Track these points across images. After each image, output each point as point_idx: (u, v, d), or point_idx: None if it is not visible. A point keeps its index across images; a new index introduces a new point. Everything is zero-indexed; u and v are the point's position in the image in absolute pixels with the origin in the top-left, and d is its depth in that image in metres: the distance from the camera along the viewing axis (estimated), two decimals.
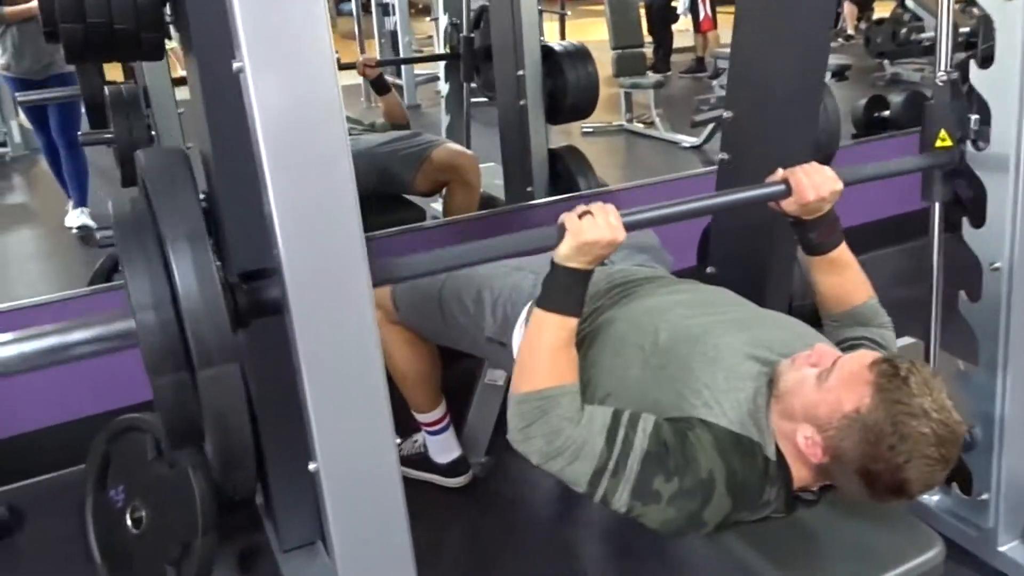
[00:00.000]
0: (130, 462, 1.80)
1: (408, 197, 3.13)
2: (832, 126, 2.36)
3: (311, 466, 1.07)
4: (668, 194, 3.16)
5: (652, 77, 5.55)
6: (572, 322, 1.31)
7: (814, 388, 1.20)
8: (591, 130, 5.36)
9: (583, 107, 3.21)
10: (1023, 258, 1.64)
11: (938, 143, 1.70)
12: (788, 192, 1.42)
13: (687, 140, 5.16)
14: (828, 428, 1.17)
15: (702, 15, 7.21)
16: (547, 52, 3.09)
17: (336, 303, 1.03)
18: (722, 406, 1.25)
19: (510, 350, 1.65)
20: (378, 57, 5.19)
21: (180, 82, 2.78)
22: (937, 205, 1.80)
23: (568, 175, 3.16)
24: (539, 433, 1.24)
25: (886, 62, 6.55)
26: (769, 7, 2.00)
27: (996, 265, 1.66)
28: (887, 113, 3.81)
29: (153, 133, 2.72)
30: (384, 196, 3.03)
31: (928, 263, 1.85)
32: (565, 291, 1.30)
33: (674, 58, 7.61)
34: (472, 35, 3.55)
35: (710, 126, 4.98)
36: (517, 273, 1.76)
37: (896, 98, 3.84)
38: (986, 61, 1.63)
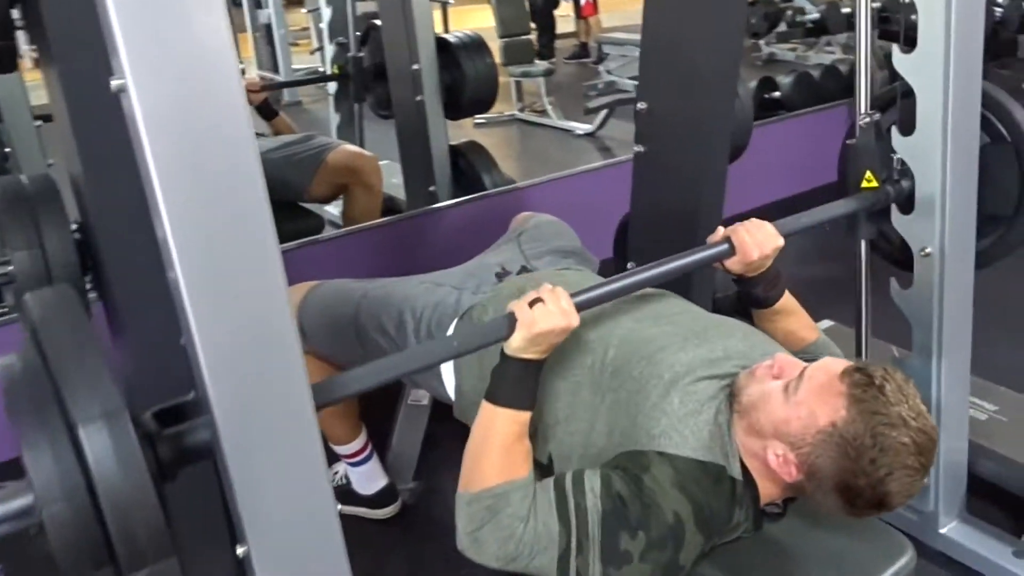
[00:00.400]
0: None
1: (304, 205, 2.92)
2: (745, 117, 2.32)
3: None
4: (578, 188, 3.13)
5: (542, 64, 5.48)
6: (525, 416, 1.21)
7: (782, 402, 1.14)
8: (484, 121, 5.25)
9: (483, 100, 3.08)
10: (954, 242, 1.63)
11: (864, 184, 1.68)
12: (732, 252, 1.37)
13: (581, 127, 5.12)
14: (802, 445, 1.11)
15: (583, 0, 7.15)
16: (442, 44, 2.95)
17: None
18: (682, 433, 1.17)
19: (437, 372, 1.53)
20: (259, 78, 4.81)
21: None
22: (864, 243, 1.80)
23: (471, 172, 3.04)
24: (490, 537, 1.14)
25: (762, 42, 6.73)
26: None
27: (927, 250, 1.65)
28: (777, 94, 3.86)
29: (7, 150, 2.40)
30: (278, 205, 2.81)
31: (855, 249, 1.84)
32: (517, 384, 1.20)
33: (557, 44, 7.58)
34: (361, 54, 3.34)
35: (603, 112, 4.96)
36: (439, 290, 1.63)
37: (785, 80, 3.89)
38: (909, 43, 1.61)
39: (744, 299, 1.47)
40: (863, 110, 1.72)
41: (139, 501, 0.80)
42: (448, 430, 2.15)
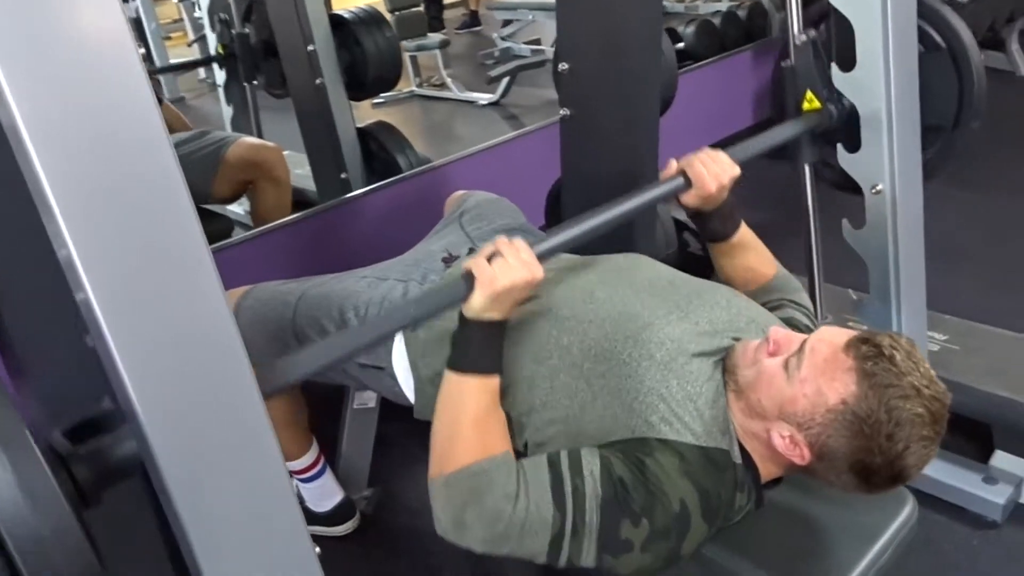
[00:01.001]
0: None
1: (207, 207, 2.70)
2: (670, 68, 2.25)
3: None
4: (499, 159, 3.01)
5: (436, 36, 5.30)
6: (494, 381, 1.12)
7: (784, 381, 1.05)
8: (382, 101, 5.04)
9: (387, 77, 2.93)
10: (904, 177, 1.60)
11: (806, 105, 1.64)
12: (688, 185, 1.31)
13: (483, 97, 4.98)
14: (811, 425, 1.03)
15: None
16: (337, 22, 2.77)
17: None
18: (682, 419, 1.09)
19: (389, 372, 1.42)
20: None
21: None
22: (807, 168, 1.76)
23: (384, 154, 2.88)
24: (475, 520, 1.03)
25: None
26: None
27: (878, 188, 1.61)
28: (682, 45, 3.82)
29: None
30: None
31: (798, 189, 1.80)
32: (482, 347, 1.12)
33: (444, 15, 7.39)
34: (246, 30, 3.11)
35: (506, 80, 4.84)
36: (383, 284, 1.50)
37: (687, 30, 3.86)
38: None
39: (701, 234, 1.43)
40: (796, 30, 1.67)
41: (58, 536, 0.66)
42: (399, 430, 2.03)
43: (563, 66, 1.95)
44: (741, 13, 3.99)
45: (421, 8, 5.46)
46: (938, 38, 1.75)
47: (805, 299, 1.42)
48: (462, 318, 1.12)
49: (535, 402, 1.20)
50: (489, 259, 1.10)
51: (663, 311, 1.20)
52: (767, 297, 1.40)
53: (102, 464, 0.75)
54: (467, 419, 1.09)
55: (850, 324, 1.77)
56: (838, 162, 1.67)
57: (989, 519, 1.73)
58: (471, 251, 1.54)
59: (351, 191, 2.77)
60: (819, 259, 1.84)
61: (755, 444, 1.11)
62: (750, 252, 1.42)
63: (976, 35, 1.74)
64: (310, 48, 2.68)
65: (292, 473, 1.82)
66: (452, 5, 7.70)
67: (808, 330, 1.30)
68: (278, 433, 1.80)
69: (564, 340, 1.21)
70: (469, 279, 1.10)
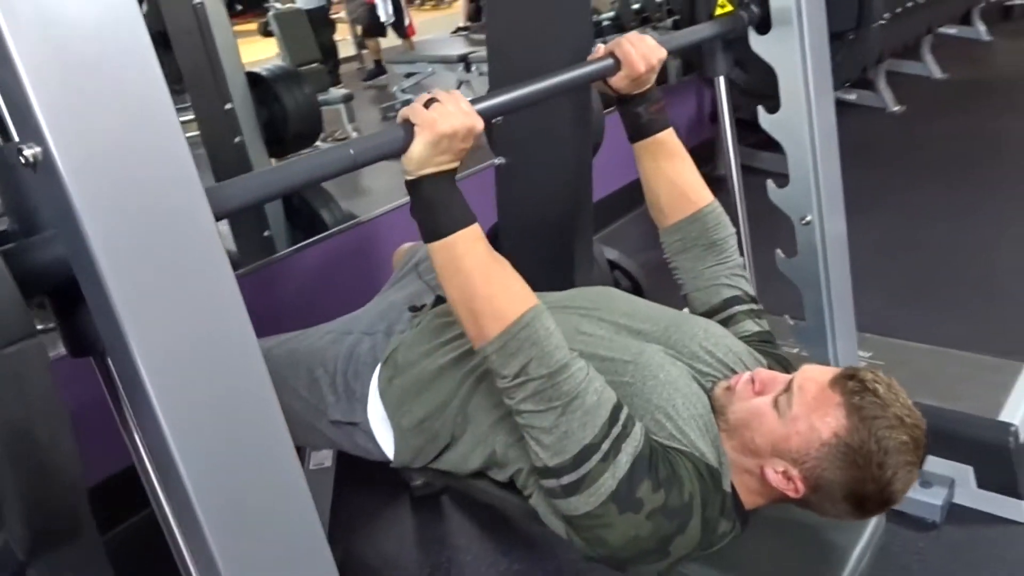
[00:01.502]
0: None
1: None
2: (598, 111, 2.34)
3: None
4: None
5: (339, 91, 5.30)
6: (475, 229, 1.08)
7: (776, 420, 1.10)
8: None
9: (307, 133, 2.93)
10: (829, 207, 1.73)
11: (719, 11, 1.71)
12: (617, 67, 1.32)
13: None
14: (805, 460, 1.08)
15: (407, 21, 7.12)
16: (255, 79, 2.75)
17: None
18: (688, 437, 1.13)
19: (364, 428, 1.40)
20: None
21: None
22: (722, 80, 1.81)
23: (308, 210, 2.86)
24: (541, 372, 1.04)
25: None
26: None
27: (807, 219, 1.73)
28: None
29: None
30: None
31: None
32: (447, 202, 1.07)
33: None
34: None
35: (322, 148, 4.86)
36: (348, 338, 1.50)
37: None
38: None
39: (629, 128, 1.41)
40: None
41: None
42: (356, 488, 2.02)
43: (496, 118, 2.01)
44: None
45: (322, 64, 5.46)
46: None
47: (739, 270, 1.44)
48: (411, 184, 1.07)
49: None
50: (427, 105, 1.05)
51: (652, 339, 1.25)
52: (703, 242, 1.40)
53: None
54: (478, 278, 1.07)
55: (792, 350, 1.87)
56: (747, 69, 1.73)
57: (929, 520, 1.84)
58: (439, 299, 1.55)
59: (276, 251, 2.72)
60: (753, 277, 1.93)
61: (745, 479, 1.15)
62: (678, 160, 1.40)
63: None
64: (228, 106, 2.65)
65: None
66: (346, 60, 7.73)
67: (762, 334, 1.39)
68: None
69: None
70: (408, 127, 1.03)
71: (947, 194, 3.69)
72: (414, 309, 1.53)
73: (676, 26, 4.13)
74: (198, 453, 0.71)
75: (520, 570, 1.85)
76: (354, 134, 5.17)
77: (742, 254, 1.86)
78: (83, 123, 0.63)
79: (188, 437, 0.70)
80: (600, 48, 1.35)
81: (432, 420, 1.34)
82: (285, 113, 2.78)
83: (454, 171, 1.08)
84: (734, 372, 1.25)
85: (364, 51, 7.57)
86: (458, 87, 5.84)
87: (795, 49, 1.65)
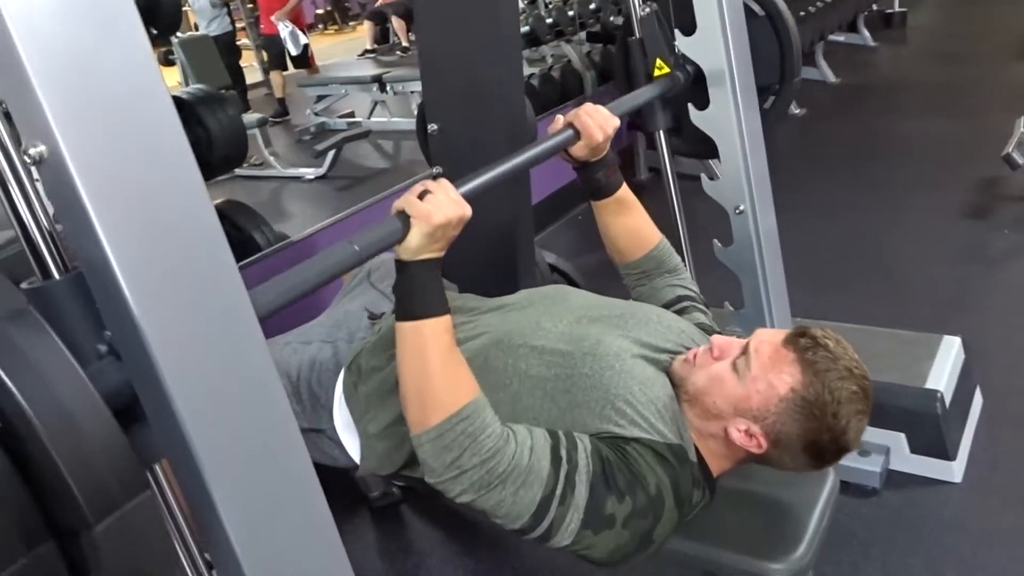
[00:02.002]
0: None
1: None
2: (532, 120, 2.40)
3: None
4: (375, 221, 3.02)
5: (254, 116, 5.22)
6: (447, 320, 1.13)
7: (736, 381, 1.16)
8: None
9: (233, 156, 2.86)
10: (760, 197, 1.83)
11: (657, 72, 1.82)
12: (577, 137, 1.40)
13: (309, 172, 4.97)
14: (766, 416, 1.14)
15: (310, 53, 6.89)
16: (178, 102, 2.69)
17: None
18: (648, 420, 1.18)
19: (330, 434, 1.41)
20: None
21: None
22: (662, 133, 1.92)
23: (240, 233, 2.81)
24: (474, 462, 1.06)
25: None
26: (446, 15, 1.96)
27: (740, 208, 1.83)
28: None
29: None
30: None
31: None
32: (426, 289, 1.12)
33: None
34: None
35: (331, 153, 4.86)
36: (308, 348, 1.50)
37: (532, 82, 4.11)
38: None
39: (589, 192, 1.50)
40: (639, 4, 1.86)
41: (92, 420, 0.62)
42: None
43: (432, 127, 2.04)
44: (555, 74, 4.31)
45: (233, 91, 5.38)
46: (757, 8, 2.01)
47: (689, 279, 1.53)
48: (401, 264, 1.12)
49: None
50: (422, 197, 1.10)
51: (607, 329, 1.30)
52: (660, 280, 1.50)
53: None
54: (436, 365, 1.10)
55: (736, 333, 1.96)
56: (685, 130, 1.87)
57: (870, 487, 1.96)
58: None
59: None
60: (690, 260, 2.02)
61: (710, 443, 1.21)
62: (634, 212, 1.50)
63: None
64: None
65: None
66: (254, 86, 7.62)
67: (709, 327, 1.45)
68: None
69: (521, 366, 1.26)
70: (404, 218, 1.09)
71: (847, 189, 3.94)
72: (373, 316, 1.54)
73: (589, 38, 4.27)
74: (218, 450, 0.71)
75: (487, 568, 1.87)
76: (271, 159, 5.11)
77: (682, 250, 1.96)
78: (90, 126, 0.63)
79: (207, 431, 0.71)
80: (559, 120, 1.43)
81: (399, 425, 1.34)
82: (210, 136, 2.73)
83: (440, 258, 1.13)
84: (687, 350, 1.31)
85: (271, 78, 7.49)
86: (373, 107, 5.85)
87: (720, 52, 1.75)
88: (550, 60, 4.59)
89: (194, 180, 0.72)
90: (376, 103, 5.83)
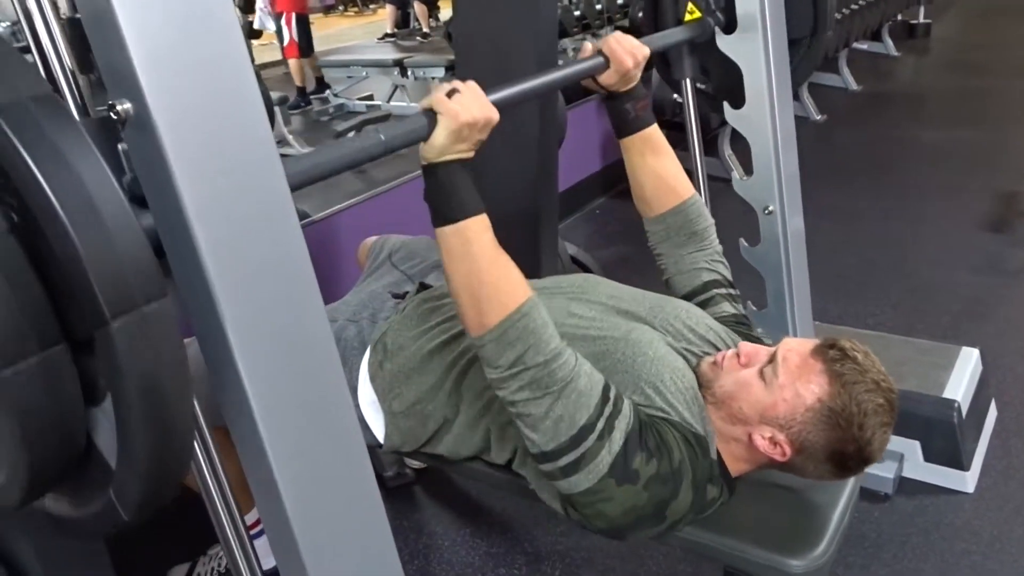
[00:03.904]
0: None
1: None
2: (562, 108, 2.41)
3: None
4: (381, 209, 3.04)
5: (275, 93, 5.22)
6: (485, 218, 1.11)
7: (763, 389, 1.17)
8: None
9: None
10: (790, 198, 1.83)
11: (687, 17, 1.80)
12: (606, 64, 1.37)
13: None
14: (791, 424, 1.15)
15: (286, 40, 6.32)
16: None
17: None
18: (676, 409, 1.19)
19: (362, 418, 1.42)
20: None
21: None
22: (688, 82, 1.89)
23: None
24: (537, 360, 1.07)
25: None
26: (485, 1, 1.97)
27: (770, 208, 1.83)
28: None
29: None
30: None
31: None
32: (459, 189, 1.10)
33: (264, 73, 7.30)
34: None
35: (350, 136, 4.86)
36: (333, 326, 1.48)
37: None
38: None
39: (618, 123, 1.46)
40: None
41: (117, 219, 0.59)
42: None
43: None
44: None
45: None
46: None
47: (717, 255, 1.49)
48: (429, 169, 1.10)
49: None
50: (448, 95, 1.08)
51: (639, 319, 1.31)
52: (685, 233, 1.46)
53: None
54: (484, 265, 1.09)
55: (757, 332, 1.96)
56: (709, 85, 1.85)
57: (882, 493, 1.96)
58: (423, 286, 1.58)
59: None
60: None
61: (732, 446, 1.22)
62: (664, 156, 1.46)
63: None
64: None
65: (249, 526, 1.74)
66: (271, 64, 7.62)
67: (738, 316, 1.46)
68: (238, 486, 1.75)
69: None
70: (430, 115, 1.07)
71: (867, 196, 3.93)
72: (397, 296, 1.55)
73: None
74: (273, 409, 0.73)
75: (498, 553, 1.88)
76: (290, 137, 5.11)
77: (697, 170, 1.93)
78: (176, 82, 0.64)
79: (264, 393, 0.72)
80: (588, 46, 1.40)
81: (424, 403, 1.36)
82: None
83: (469, 160, 1.11)
84: (716, 349, 1.32)
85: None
86: (393, 90, 5.85)
87: (759, 49, 1.74)
88: (571, 54, 4.58)
89: (265, 136, 0.72)
90: (396, 87, 5.83)
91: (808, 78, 2.11)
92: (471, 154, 1.11)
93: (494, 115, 1.11)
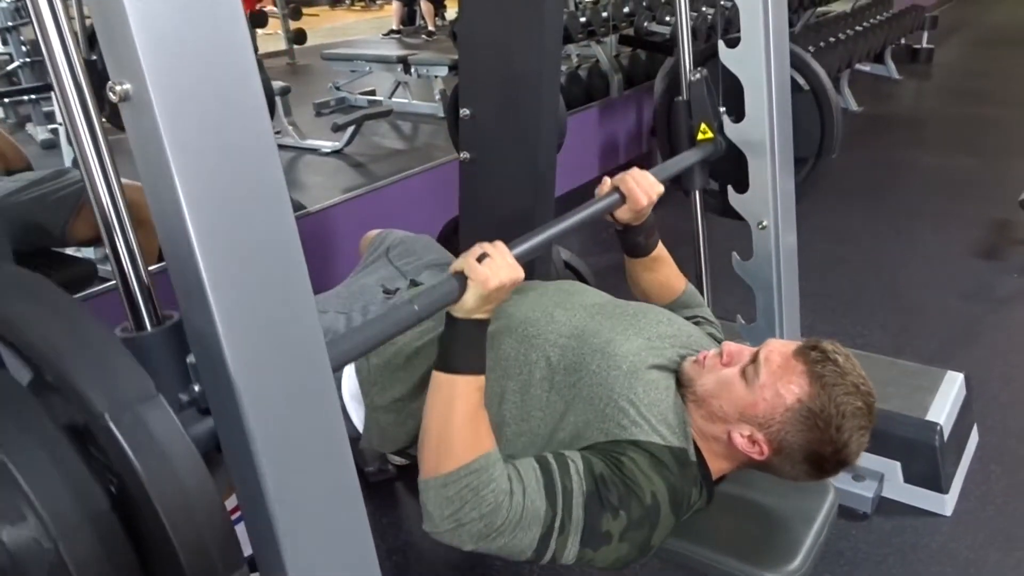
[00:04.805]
0: None
1: (71, 253, 2.51)
2: (562, 112, 2.42)
3: None
4: (380, 203, 3.03)
5: (277, 83, 5.21)
6: (482, 380, 1.16)
7: (744, 388, 1.19)
8: None
9: None
10: (784, 214, 1.84)
11: (700, 136, 1.84)
12: (622, 201, 1.42)
13: (327, 145, 4.96)
14: (770, 424, 1.16)
15: None
16: None
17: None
18: (650, 422, 1.20)
19: (343, 405, 1.41)
20: None
21: None
22: (697, 192, 1.96)
23: None
24: (474, 516, 1.08)
25: None
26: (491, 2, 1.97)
27: (763, 223, 1.84)
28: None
29: None
30: (31, 255, 2.39)
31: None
32: (471, 346, 1.16)
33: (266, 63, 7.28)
34: (94, 58, 2.94)
35: (351, 129, 4.85)
36: (324, 316, 1.51)
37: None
38: (731, 44, 1.78)
39: (627, 249, 1.53)
40: (689, 68, 1.89)
41: (199, 493, 0.68)
42: None
43: (465, 112, 2.05)
44: (582, 73, 4.31)
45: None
46: (802, 81, 2.03)
47: (710, 314, 1.59)
48: (451, 319, 1.15)
49: (506, 416, 1.27)
50: (480, 260, 1.13)
51: (620, 328, 1.31)
52: (683, 312, 1.53)
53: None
54: (459, 418, 1.12)
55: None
56: (719, 192, 1.88)
57: (861, 512, 1.97)
58: (412, 283, 1.58)
59: None
60: (708, 288, 2.04)
61: (712, 445, 1.23)
62: (665, 267, 1.54)
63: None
64: None
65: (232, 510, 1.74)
66: (275, 54, 7.61)
67: (719, 343, 1.47)
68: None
69: (532, 356, 1.28)
70: (461, 278, 1.13)
71: (861, 217, 3.96)
72: (388, 292, 1.56)
73: (621, 40, 4.28)
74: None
75: (477, 552, 1.88)
76: (289, 128, 5.10)
77: (701, 263, 1.97)
78: (177, 64, 0.65)
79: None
80: (607, 182, 1.45)
81: (407, 401, 1.36)
82: None
83: (487, 321, 1.16)
84: (696, 352, 1.33)
85: (296, 47, 7.49)
86: (396, 87, 5.84)
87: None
88: (575, 59, 4.59)
89: (264, 128, 0.73)
90: (399, 83, 5.82)
91: (808, 196, 2.18)
92: (490, 315, 1.16)
93: (520, 275, 1.15)
